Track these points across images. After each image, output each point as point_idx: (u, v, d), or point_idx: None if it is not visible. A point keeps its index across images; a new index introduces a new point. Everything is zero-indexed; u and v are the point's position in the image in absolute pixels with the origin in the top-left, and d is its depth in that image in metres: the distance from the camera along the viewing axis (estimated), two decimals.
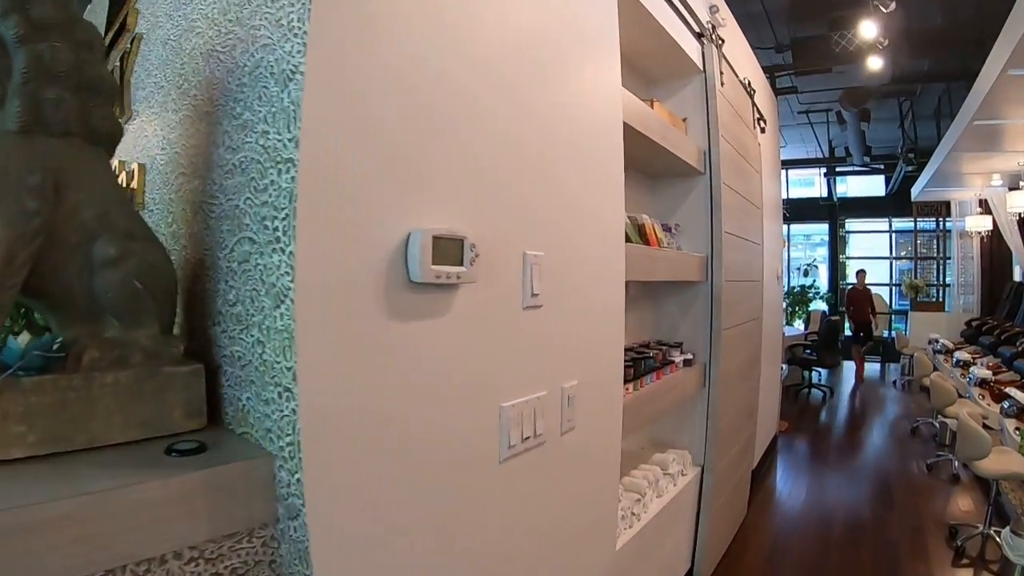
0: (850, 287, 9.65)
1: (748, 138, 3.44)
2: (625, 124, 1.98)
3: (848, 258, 12.74)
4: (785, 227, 12.32)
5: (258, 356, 1.05)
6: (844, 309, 10.12)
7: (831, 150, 11.14)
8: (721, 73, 2.88)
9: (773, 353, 5.18)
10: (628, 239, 2.20)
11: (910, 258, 12.13)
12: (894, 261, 12.42)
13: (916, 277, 11.53)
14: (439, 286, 1.15)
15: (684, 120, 2.82)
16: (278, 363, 1.00)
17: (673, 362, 2.60)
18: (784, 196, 12.18)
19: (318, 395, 0.97)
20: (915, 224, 11.86)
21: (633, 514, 2.15)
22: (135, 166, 1.47)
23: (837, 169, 11.85)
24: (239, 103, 1.11)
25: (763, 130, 4.10)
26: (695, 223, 2.84)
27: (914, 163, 9.31)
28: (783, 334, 7.00)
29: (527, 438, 1.40)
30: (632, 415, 2.08)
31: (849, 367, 9.57)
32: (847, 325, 9.80)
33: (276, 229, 1.01)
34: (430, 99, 1.15)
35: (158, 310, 1.11)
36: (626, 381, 2.14)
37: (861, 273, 9.73)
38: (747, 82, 3.54)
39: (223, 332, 1.14)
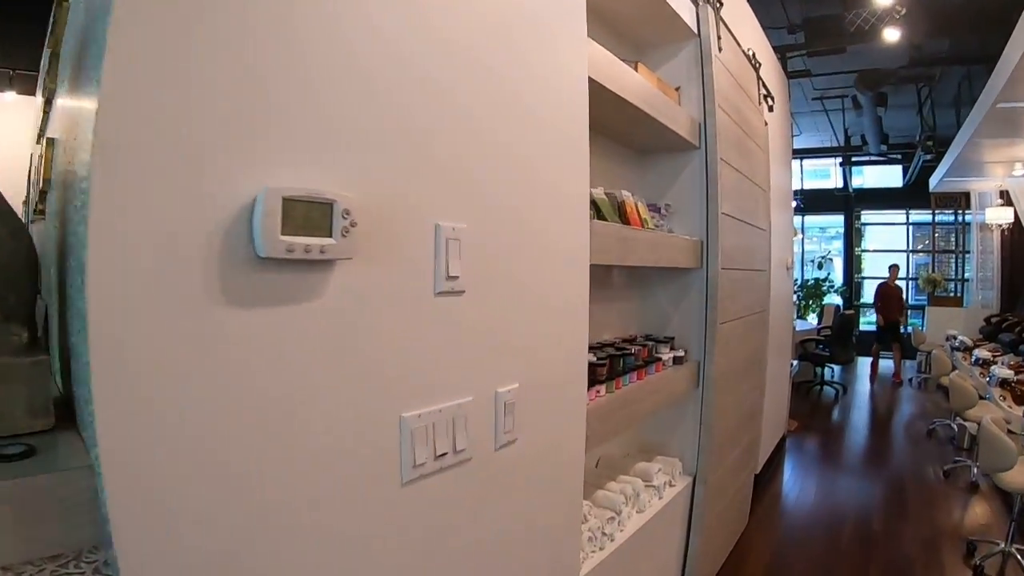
0: (881, 283, 9.09)
1: (752, 113, 3.10)
2: (596, 84, 1.67)
3: (863, 251, 12.28)
4: (799, 218, 11.94)
5: (78, 346, 0.80)
6: (873, 304, 9.57)
7: (847, 138, 10.67)
8: (719, 37, 2.55)
9: (782, 348, 4.84)
10: (602, 216, 1.89)
11: (927, 251, 11.63)
12: (911, 254, 11.93)
13: (933, 271, 11.05)
14: (298, 263, 0.85)
15: (677, 90, 2.48)
16: (82, 356, 0.75)
17: (660, 360, 2.29)
18: (798, 186, 11.84)
19: (122, 398, 0.71)
20: (933, 216, 11.35)
21: (605, 534, 1.85)
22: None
23: (853, 159, 11.37)
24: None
25: (771, 108, 3.76)
26: (689, 203, 2.52)
27: (932, 151, 8.83)
28: (794, 328, 6.63)
29: (443, 455, 1.11)
30: (603, 422, 1.78)
31: (864, 364, 9.15)
32: (864, 320, 9.35)
33: (83, 191, 0.73)
34: (297, 6, 0.85)
35: None
36: (598, 382, 1.83)
37: (894, 268, 9.10)
38: (751, 53, 3.20)
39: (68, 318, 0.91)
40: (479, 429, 1.21)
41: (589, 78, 1.58)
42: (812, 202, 11.77)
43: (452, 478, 1.14)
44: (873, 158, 10.88)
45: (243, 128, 0.80)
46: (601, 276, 2.41)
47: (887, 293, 8.82)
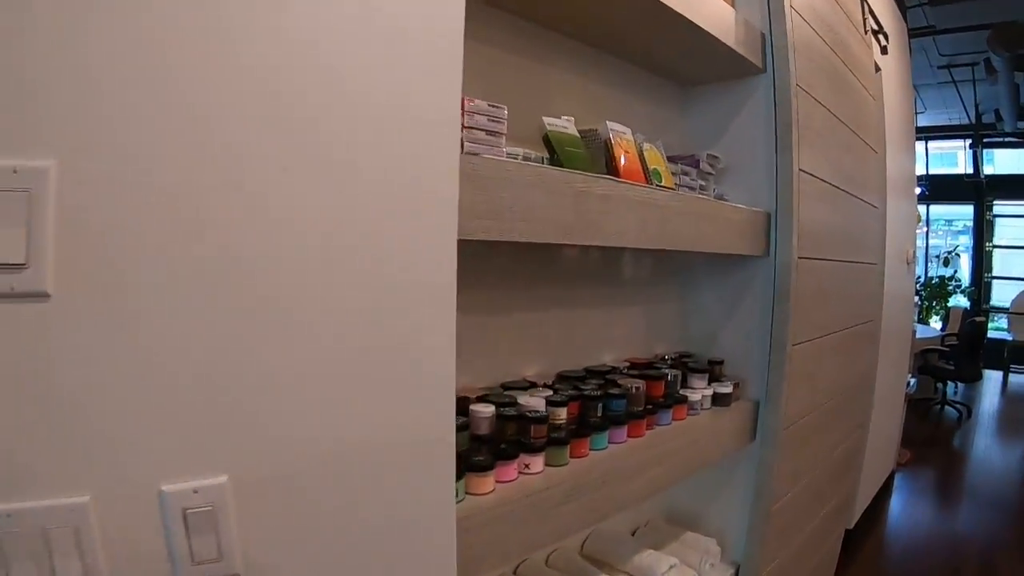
0: None
1: (853, 40, 2.05)
2: None
3: (995, 247, 10.30)
4: (924, 208, 10.14)
5: None
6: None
7: (978, 116, 8.83)
8: None
9: (897, 362, 3.66)
10: (556, 161, 1.03)
11: None
12: None
13: None
14: None
15: None
16: None
17: (685, 400, 1.38)
18: (923, 171, 10.04)
19: None
20: None
21: None
22: None
23: (985, 140, 9.47)
24: None
25: (884, 49, 2.66)
26: (749, 157, 1.58)
27: None
28: (913, 334, 5.24)
29: None
30: (522, 525, 0.93)
31: (993, 380, 7.48)
32: (992, 326, 7.65)
33: None
34: None
35: None
36: (531, 450, 0.99)
37: None
38: None
39: None
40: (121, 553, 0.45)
41: None
42: (937, 190, 9.96)
43: None
44: (1008, 139, 8.98)
45: None
46: (602, 263, 1.53)
47: None
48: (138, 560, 0.57)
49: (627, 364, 1.55)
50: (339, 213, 0.67)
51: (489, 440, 1.04)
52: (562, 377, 1.39)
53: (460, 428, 1.00)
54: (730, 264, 1.63)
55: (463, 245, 0.78)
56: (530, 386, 1.27)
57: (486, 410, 1.08)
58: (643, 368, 1.49)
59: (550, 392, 1.21)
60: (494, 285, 1.28)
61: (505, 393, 1.20)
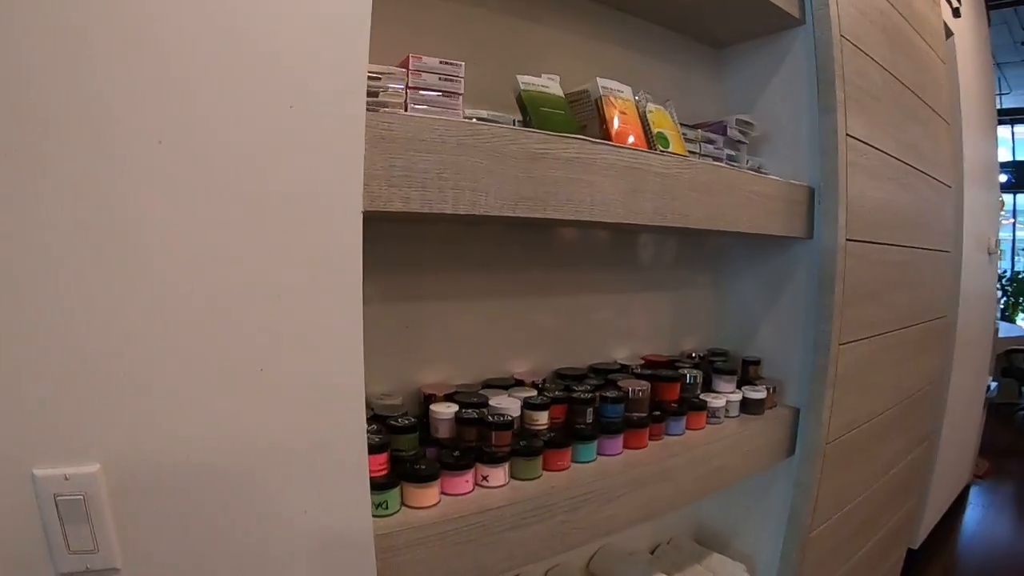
0: None
1: None
2: None
3: None
4: (1010, 197, 9.24)
5: None
6: None
7: None
8: None
9: (976, 363, 3.26)
10: (528, 123, 0.85)
11: None
12: None
13: None
14: None
15: None
16: None
17: (704, 406, 1.17)
18: (1009, 157, 9.14)
19: None
20: None
21: None
22: None
23: None
24: None
25: (956, 12, 2.31)
26: (791, 123, 1.33)
27: None
28: (995, 334, 4.69)
29: None
30: (476, 550, 0.77)
31: None
32: None
33: None
34: None
35: None
36: (492, 461, 0.82)
37: None
38: None
39: None
40: None
41: None
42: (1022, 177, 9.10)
43: None
44: None
45: None
46: (613, 242, 1.33)
47: None
48: (17, 544, 0.54)
49: (642, 362, 1.35)
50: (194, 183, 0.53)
51: (447, 445, 0.88)
52: (560, 375, 1.21)
53: (407, 430, 0.84)
54: (769, 246, 1.40)
55: (431, 220, 0.69)
56: (515, 384, 1.09)
57: (446, 411, 0.91)
58: (658, 367, 1.28)
59: (534, 392, 1.03)
60: (478, 266, 1.11)
61: (480, 392, 1.02)
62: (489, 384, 1.09)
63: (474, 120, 0.79)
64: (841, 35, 1.21)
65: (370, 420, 0.91)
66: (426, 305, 1.05)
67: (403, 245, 1.01)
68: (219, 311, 0.58)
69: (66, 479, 0.54)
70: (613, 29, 1.25)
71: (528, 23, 1.13)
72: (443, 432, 0.91)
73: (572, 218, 0.81)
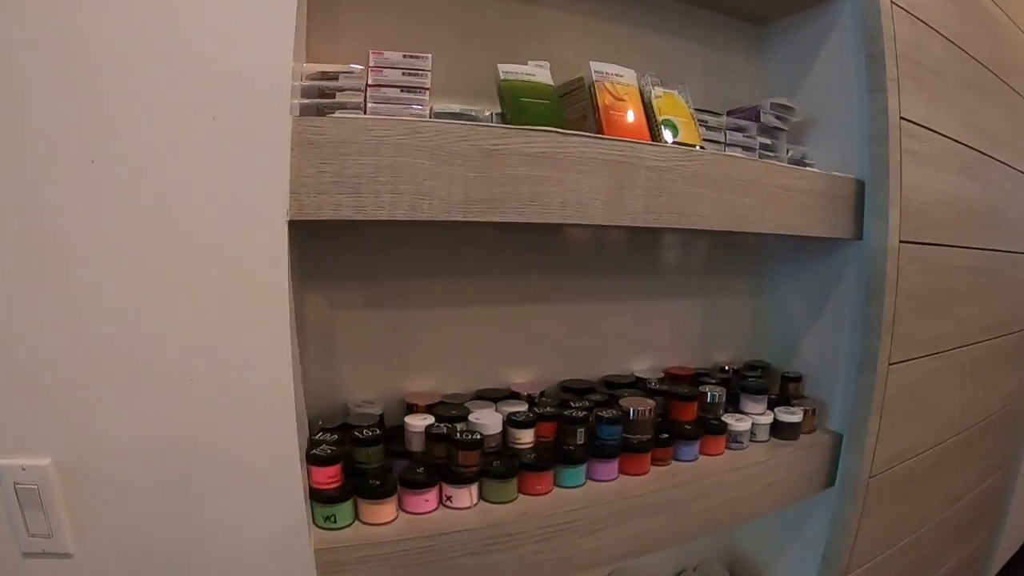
0: None
1: None
2: None
3: None
4: None
5: None
6: None
7: None
8: None
9: None
10: (504, 114, 0.76)
11: None
12: None
13: None
14: None
15: None
16: None
17: (724, 429, 1.02)
18: None
19: None
20: None
21: None
22: None
23: None
24: None
25: None
26: (839, 107, 1.16)
27: None
28: None
29: None
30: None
31: None
32: None
33: None
34: None
35: None
36: (461, 481, 0.75)
37: None
38: None
39: None
40: None
41: None
42: None
43: None
44: None
45: None
46: (631, 243, 1.21)
47: None
48: None
49: (663, 375, 1.22)
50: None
51: (417, 460, 0.79)
52: (565, 388, 1.09)
53: (370, 442, 0.76)
54: (815, 248, 1.23)
55: (412, 222, 0.68)
56: (508, 396, 0.99)
57: (419, 424, 0.82)
58: (681, 380, 1.15)
59: (523, 407, 0.92)
60: (470, 268, 1.01)
61: (467, 404, 0.93)
62: (481, 395, 0.99)
63: (426, 118, 0.71)
64: (892, 2, 1.04)
65: (338, 429, 0.84)
66: (415, 311, 0.97)
67: (388, 248, 0.94)
68: (151, 321, 0.60)
69: (23, 469, 0.60)
70: (631, 7, 1.13)
71: (533, 6, 1.03)
72: (416, 446, 0.83)
73: (539, 220, 0.70)
